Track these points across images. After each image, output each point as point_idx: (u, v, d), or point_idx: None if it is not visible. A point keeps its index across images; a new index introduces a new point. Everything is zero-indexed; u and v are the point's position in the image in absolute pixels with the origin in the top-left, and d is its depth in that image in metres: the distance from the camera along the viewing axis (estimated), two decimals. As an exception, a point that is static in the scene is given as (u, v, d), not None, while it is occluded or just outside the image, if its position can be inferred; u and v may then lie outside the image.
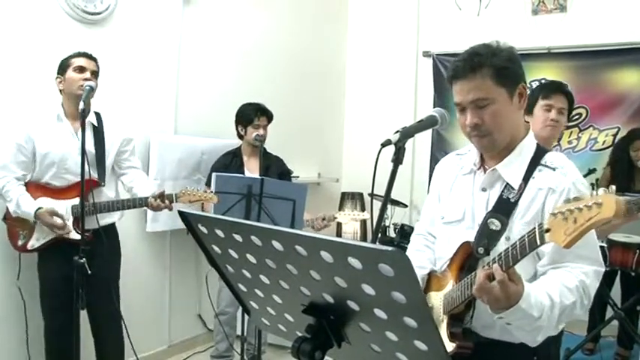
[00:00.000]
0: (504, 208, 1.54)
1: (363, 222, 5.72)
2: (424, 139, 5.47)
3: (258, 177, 3.06)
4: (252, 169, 3.66)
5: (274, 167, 3.66)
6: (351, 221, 4.49)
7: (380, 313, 0.93)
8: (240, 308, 3.67)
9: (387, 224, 4.69)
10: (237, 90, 4.21)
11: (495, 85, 1.52)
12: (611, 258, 3.52)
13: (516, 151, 1.59)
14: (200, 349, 4.11)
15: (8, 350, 2.97)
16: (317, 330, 1.05)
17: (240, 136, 3.71)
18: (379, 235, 4.72)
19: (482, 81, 1.51)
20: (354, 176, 5.84)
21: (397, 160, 1.45)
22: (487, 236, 1.53)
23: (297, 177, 4.79)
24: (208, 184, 3.61)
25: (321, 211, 3.65)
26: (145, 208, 2.92)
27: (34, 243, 2.77)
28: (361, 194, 5.66)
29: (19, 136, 2.74)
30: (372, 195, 1.56)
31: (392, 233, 4.65)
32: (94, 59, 2.84)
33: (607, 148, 4.82)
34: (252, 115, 3.62)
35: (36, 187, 2.77)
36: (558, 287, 1.41)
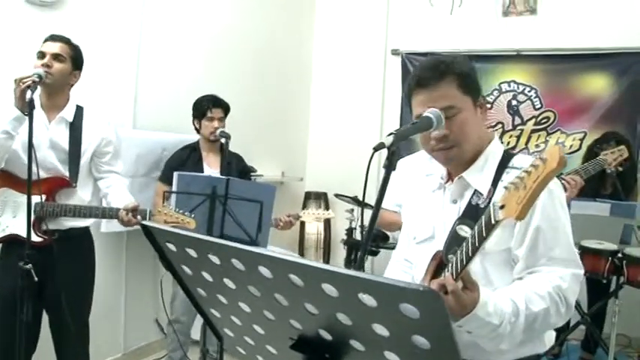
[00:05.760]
0: (473, 214, 1.45)
1: (327, 220, 5.58)
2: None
3: (223, 177, 2.86)
4: (211, 164, 3.48)
5: (235, 164, 3.48)
6: (314, 220, 4.35)
7: (392, 356, 0.77)
8: (198, 316, 3.52)
9: (353, 226, 4.55)
10: (200, 83, 4.00)
11: (462, 93, 1.47)
12: (583, 265, 3.45)
13: (482, 158, 1.52)
14: (157, 356, 3.90)
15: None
16: (308, 368, 0.88)
17: (198, 130, 3.52)
18: (348, 238, 4.62)
19: (449, 89, 1.46)
20: (318, 175, 5.70)
21: (390, 165, 1.30)
22: (457, 243, 1.40)
23: (261, 175, 4.62)
24: (163, 179, 3.41)
25: (284, 211, 3.49)
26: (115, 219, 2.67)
27: None
28: (325, 194, 5.52)
29: None
30: (362, 202, 1.41)
31: (359, 236, 4.51)
32: (61, 39, 2.56)
33: (575, 152, 4.82)
34: (204, 107, 3.44)
35: (1, 176, 2.52)
36: (525, 294, 1.32)
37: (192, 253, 0.94)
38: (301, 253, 5.46)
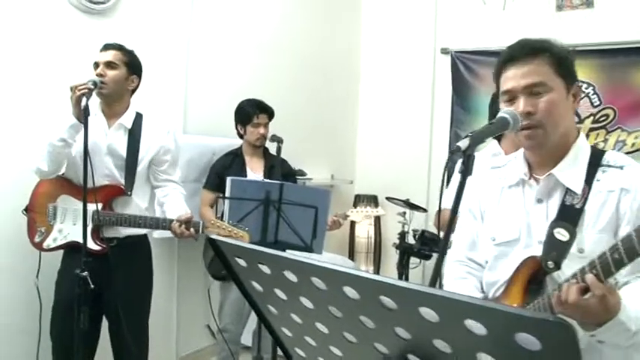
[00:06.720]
0: (570, 215, 1.35)
1: (378, 223, 5.47)
2: (441, 138, 5.24)
3: (277, 182, 2.81)
4: (254, 169, 3.45)
5: (278, 168, 3.41)
6: (364, 219, 4.22)
7: (497, 389, 0.69)
8: (247, 324, 3.46)
9: (406, 230, 4.44)
10: (248, 87, 3.96)
11: (554, 73, 1.38)
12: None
13: (571, 154, 1.42)
14: (210, 362, 3.88)
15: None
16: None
17: (240, 136, 3.49)
18: (401, 241, 4.50)
19: (541, 65, 1.38)
20: (368, 178, 5.60)
21: (466, 170, 1.22)
22: (555, 248, 1.33)
23: (311, 179, 4.56)
24: (208, 187, 3.42)
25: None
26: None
27: (50, 243, 2.53)
28: (376, 197, 5.41)
29: None
30: (439, 210, 1.32)
31: (411, 239, 4.40)
32: (113, 47, 2.57)
33: (636, 150, 4.58)
34: (250, 113, 3.40)
35: (61, 183, 2.54)
36: None
37: (265, 269, 0.87)
38: (351, 257, 5.37)
